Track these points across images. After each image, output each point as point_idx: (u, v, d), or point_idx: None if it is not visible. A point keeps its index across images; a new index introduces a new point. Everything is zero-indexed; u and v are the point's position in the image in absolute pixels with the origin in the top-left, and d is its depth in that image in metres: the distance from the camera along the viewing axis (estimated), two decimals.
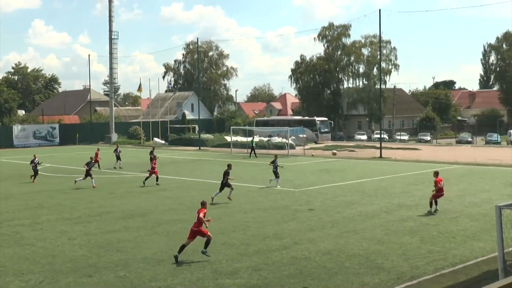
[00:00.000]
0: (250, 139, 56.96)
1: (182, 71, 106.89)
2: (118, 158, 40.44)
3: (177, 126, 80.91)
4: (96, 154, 38.93)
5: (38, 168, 33.19)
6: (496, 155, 46.00)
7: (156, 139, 72.88)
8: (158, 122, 76.85)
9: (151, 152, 36.17)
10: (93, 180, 29.51)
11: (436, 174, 21.39)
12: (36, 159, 33.03)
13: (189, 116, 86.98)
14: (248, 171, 37.39)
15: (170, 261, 14.48)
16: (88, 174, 29.75)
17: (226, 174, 24.17)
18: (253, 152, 49.54)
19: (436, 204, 20.81)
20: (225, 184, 24.13)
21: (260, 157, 49.32)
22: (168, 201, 24.34)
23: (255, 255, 14.97)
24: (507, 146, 62.72)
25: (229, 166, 24.75)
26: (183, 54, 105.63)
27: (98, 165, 38.16)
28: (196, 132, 74.25)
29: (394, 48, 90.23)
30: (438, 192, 20.90)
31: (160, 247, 15.93)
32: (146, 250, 15.65)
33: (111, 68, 79.33)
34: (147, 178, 29.97)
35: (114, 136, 77.15)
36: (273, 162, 29.22)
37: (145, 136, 76.19)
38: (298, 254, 14.94)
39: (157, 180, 29.92)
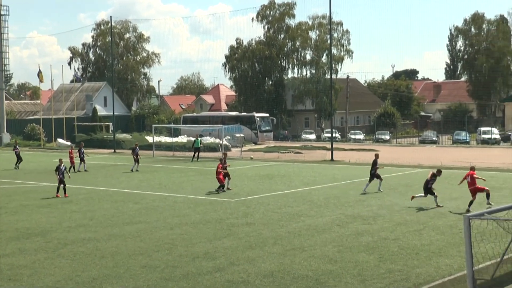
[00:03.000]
0: (180, 139, 56.76)
1: (92, 57, 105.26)
2: (18, 157, 41.03)
3: (87, 124, 79.55)
4: None
5: None
6: (465, 157, 47.48)
7: (60, 140, 71.40)
8: (62, 119, 75.31)
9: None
10: None
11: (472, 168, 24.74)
12: None
13: (101, 111, 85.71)
14: (173, 178, 37.17)
15: None
16: None
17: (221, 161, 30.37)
18: (196, 154, 49.44)
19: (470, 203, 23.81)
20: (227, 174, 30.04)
21: (188, 161, 49.07)
22: (75, 216, 23.86)
23: (183, 279, 14.85)
24: (477, 146, 64.95)
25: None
26: (93, 36, 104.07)
27: None
28: (110, 132, 73.24)
29: (347, 31, 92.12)
30: (470, 186, 24.11)
31: (64, 273, 15.56)
32: (47, 277, 15.25)
33: (0, 52, 77.13)
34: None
35: (6, 137, 75.05)
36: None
37: (46, 137, 74.50)
38: (234, 277, 14.91)
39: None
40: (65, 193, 29.40)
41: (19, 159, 43.75)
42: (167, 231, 20.65)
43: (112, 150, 62.21)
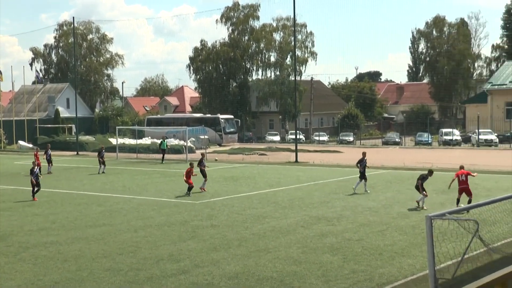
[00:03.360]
0: (144, 141, 56.43)
1: (54, 58, 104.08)
2: None
3: (49, 126, 78.63)
4: None
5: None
6: (427, 158, 48.09)
7: (21, 142, 70.45)
8: (24, 121, 74.23)
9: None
10: None
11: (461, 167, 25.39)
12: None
13: (64, 113, 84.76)
14: (137, 180, 36.94)
15: None
16: None
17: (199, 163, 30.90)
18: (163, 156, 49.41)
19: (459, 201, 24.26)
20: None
21: (153, 163, 48.81)
22: (36, 220, 23.56)
23: (147, 282, 14.76)
24: (439, 147, 65.83)
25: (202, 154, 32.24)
26: (55, 37, 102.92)
27: None
28: (73, 134, 72.46)
29: (311, 33, 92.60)
30: (461, 185, 24.42)
31: (25, 277, 15.35)
32: (8, 282, 15.02)
33: None
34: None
35: None
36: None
37: (7, 139, 73.37)
38: (199, 279, 14.88)
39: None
40: (33, 196, 28.87)
41: None
42: (131, 233, 20.51)
43: (75, 152, 61.57)
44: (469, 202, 23.79)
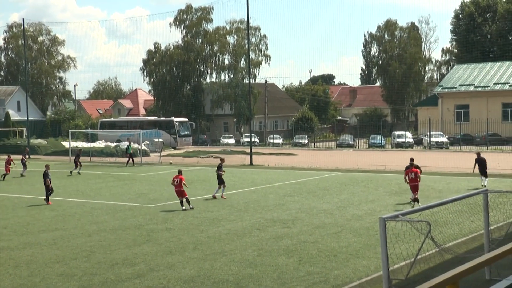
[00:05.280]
0: (98, 144, 55.83)
1: (3, 60, 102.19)
2: None
3: None
4: None
5: None
6: (380, 160, 48.72)
7: None
8: None
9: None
10: None
11: (412, 164, 26.27)
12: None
13: (15, 116, 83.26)
14: (90, 184, 36.52)
15: None
16: None
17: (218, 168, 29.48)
18: (131, 160, 48.78)
19: (417, 201, 24.86)
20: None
21: (106, 166, 48.30)
22: None
23: (102, 287, 14.63)
24: (392, 150, 66.71)
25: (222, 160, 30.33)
26: (4, 39, 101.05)
27: None
28: (25, 137, 71.23)
29: (265, 36, 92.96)
30: (413, 183, 25.40)
31: None
32: None
33: None
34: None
35: None
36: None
37: None
38: (154, 283, 14.81)
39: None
40: (47, 200, 28.34)
41: None
42: (85, 238, 20.29)
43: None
44: (415, 199, 25.07)
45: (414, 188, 25.45)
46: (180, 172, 26.91)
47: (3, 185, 36.69)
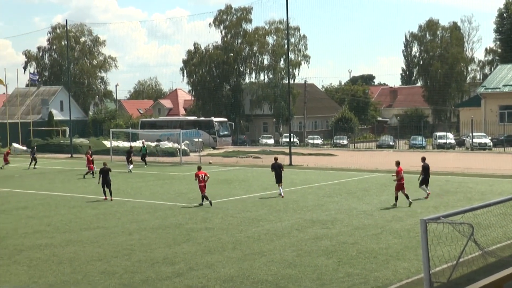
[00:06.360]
0: (138, 144, 56.29)
1: (47, 60, 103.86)
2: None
3: (43, 128, 78.40)
4: None
5: None
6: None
7: (15, 145, 70.24)
8: (17, 124, 74.03)
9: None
10: None
11: (397, 163, 26.89)
12: None
13: (58, 116, 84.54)
14: (131, 183, 36.89)
15: None
16: None
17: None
18: (145, 160, 49.31)
19: (407, 197, 25.96)
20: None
21: (147, 165, 48.74)
22: (31, 222, 23.52)
23: (142, 285, 14.77)
24: (433, 151, 65.93)
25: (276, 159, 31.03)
26: (48, 40, 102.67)
27: None
28: (67, 136, 72.28)
29: (304, 36, 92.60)
30: (400, 181, 26.10)
31: (20, 280, 15.34)
32: (3, 284, 15.01)
33: None
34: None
35: None
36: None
37: (1, 141, 73.18)
38: (194, 282, 14.89)
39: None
40: (111, 195, 29.26)
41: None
42: (125, 236, 20.50)
43: (69, 155, 61.43)
44: (406, 196, 26.11)
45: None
46: (200, 168, 27.68)
47: (46, 184, 37.30)
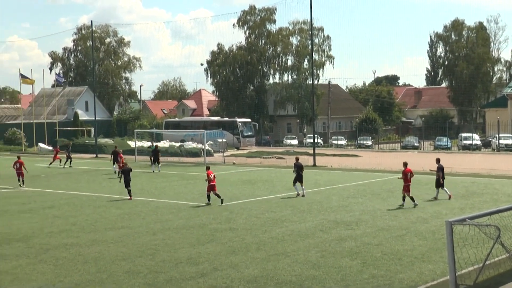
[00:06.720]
0: (162, 144, 56.71)
1: (72, 61, 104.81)
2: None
3: (68, 128, 79.13)
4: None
5: None
6: (446, 162, 47.67)
7: (41, 145, 70.98)
8: (43, 124, 74.78)
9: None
10: None
11: (405, 164, 26.99)
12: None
13: (83, 116, 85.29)
14: (155, 183, 37.05)
15: None
16: None
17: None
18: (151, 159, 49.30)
19: (412, 200, 25.99)
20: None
21: (171, 166, 48.95)
22: (57, 222, 23.73)
23: (166, 284, 14.82)
24: (458, 152, 65.42)
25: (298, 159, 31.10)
26: (74, 41, 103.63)
27: None
28: (92, 136, 72.85)
29: (328, 36, 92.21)
30: (406, 183, 26.20)
31: (46, 278, 15.48)
32: (29, 283, 15.15)
33: None
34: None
35: None
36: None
37: (27, 141, 73.95)
38: (218, 283, 14.91)
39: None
40: (128, 195, 29.77)
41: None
42: (149, 236, 20.60)
43: (94, 155, 61.89)
44: (412, 199, 26.12)
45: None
46: (209, 167, 28.37)
47: (72, 183, 37.61)
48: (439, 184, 28.35)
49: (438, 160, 29.54)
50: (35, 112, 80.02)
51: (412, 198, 26.09)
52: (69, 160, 49.47)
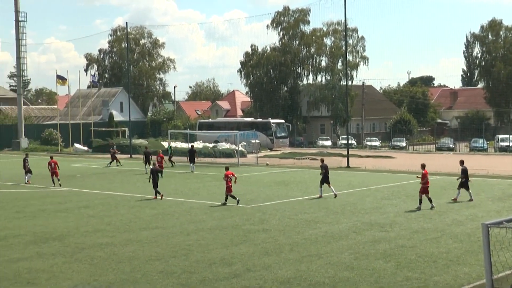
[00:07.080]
0: (196, 145, 56.99)
1: (107, 62, 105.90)
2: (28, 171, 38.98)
3: (103, 129, 79.89)
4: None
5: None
6: (482, 164, 47.20)
7: (77, 145, 71.79)
8: (79, 125, 75.66)
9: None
10: None
11: (423, 166, 26.76)
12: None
13: (118, 117, 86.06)
14: (189, 184, 37.25)
15: None
16: None
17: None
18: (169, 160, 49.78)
19: (430, 201, 25.88)
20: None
21: (204, 166, 49.16)
22: (92, 221, 24.00)
23: (200, 285, 14.89)
24: (495, 154, 64.56)
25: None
26: (109, 42, 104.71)
27: None
28: (127, 137, 73.46)
29: (362, 37, 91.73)
30: (425, 185, 26.01)
31: (82, 277, 15.67)
32: (65, 281, 15.35)
33: (18, 58, 77.86)
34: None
35: (24, 142, 75.65)
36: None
37: (63, 142, 74.91)
38: (251, 283, 14.93)
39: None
40: (155, 195, 30.27)
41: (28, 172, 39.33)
42: (183, 236, 20.72)
43: (129, 156, 62.41)
44: (429, 200, 26.04)
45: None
46: (228, 168, 28.87)
47: (106, 183, 38.00)
48: (463, 185, 28.46)
49: (462, 162, 29.53)
50: (71, 113, 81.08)
51: (430, 200, 26.01)
52: (116, 160, 50.89)
